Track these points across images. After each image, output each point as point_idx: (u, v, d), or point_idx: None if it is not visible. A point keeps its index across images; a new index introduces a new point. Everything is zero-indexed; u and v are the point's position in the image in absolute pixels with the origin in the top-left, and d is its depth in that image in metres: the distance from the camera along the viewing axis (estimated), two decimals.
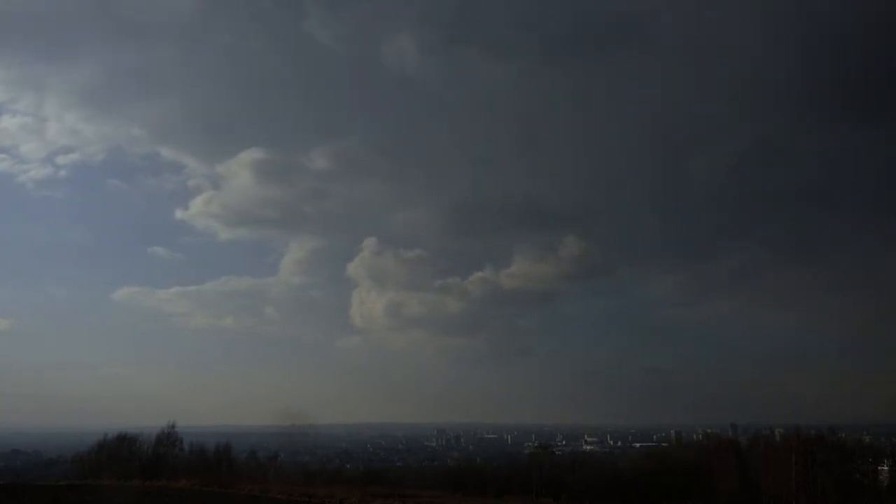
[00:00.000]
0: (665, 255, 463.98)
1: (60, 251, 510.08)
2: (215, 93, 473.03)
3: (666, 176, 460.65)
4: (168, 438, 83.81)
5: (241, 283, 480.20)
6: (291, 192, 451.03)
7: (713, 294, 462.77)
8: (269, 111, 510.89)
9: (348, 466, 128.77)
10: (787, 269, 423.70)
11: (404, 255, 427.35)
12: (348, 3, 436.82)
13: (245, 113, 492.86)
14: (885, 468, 71.83)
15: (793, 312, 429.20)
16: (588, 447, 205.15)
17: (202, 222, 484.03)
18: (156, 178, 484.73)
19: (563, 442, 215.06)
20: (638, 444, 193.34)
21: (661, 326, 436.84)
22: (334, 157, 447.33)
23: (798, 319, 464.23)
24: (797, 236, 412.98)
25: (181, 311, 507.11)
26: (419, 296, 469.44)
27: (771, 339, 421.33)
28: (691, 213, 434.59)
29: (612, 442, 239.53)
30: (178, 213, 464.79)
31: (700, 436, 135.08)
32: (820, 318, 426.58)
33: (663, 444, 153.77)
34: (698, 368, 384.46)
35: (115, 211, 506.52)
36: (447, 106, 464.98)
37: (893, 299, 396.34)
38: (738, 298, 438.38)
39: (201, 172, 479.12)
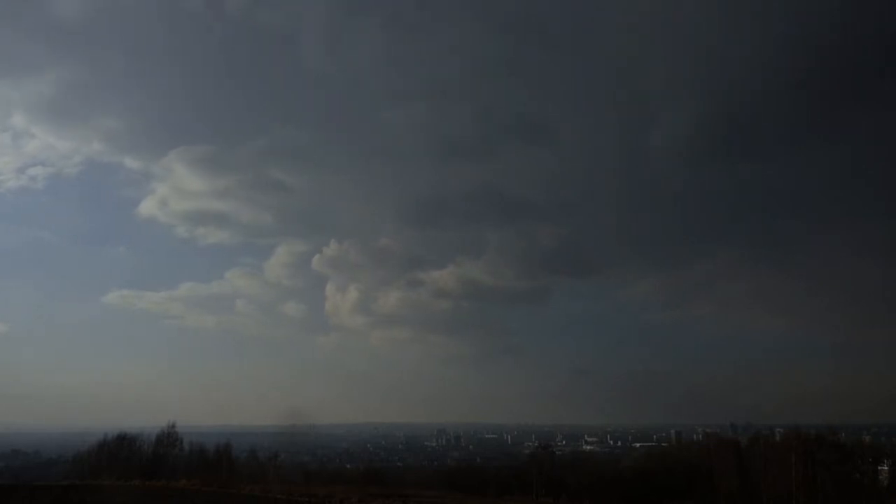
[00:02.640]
0: (644, 258, 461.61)
1: (45, 258, 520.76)
2: (163, 98, 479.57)
3: (638, 173, 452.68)
4: (168, 438, 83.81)
5: (230, 286, 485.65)
6: (247, 185, 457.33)
7: (692, 296, 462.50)
8: (211, 109, 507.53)
9: (348, 466, 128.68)
10: (763, 271, 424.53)
11: (378, 250, 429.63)
12: None
13: (196, 112, 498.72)
14: (885, 468, 71.81)
15: (774, 313, 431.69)
16: (588, 447, 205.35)
17: (183, 228, 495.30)
18: (130, 186, 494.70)
19: (563, 442, 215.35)
20: (638, 444, 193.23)
21: (648, 327, 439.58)
22: (286, 151, 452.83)
23: (784, 321, 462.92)
24: (770, 238, 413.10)
25: (173, 312, 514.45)
26: (399, 293, 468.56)
27: (759, 339, 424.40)
28: (667, 215, 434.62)
29: (612, 442, 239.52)
30: (160, 219, 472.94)
31: (700, 436, 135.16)
32: (805, 320, 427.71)
33: (663, 444, 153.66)
34: (690, 369, 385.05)
35: (94, 219, 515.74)
36: (399, 94, 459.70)
37: (865, 299, 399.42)
38: (718, 301, 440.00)
39: (170, 178, 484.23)
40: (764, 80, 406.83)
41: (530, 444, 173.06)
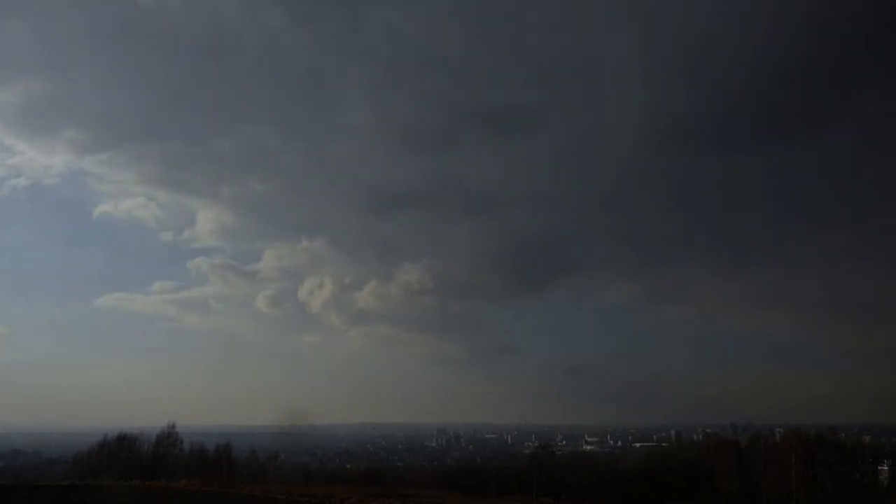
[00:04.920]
0: (625, 261, 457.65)
1: (35, 263, 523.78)
2: (126, 105, 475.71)
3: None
4: (168, 438, 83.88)
5: (218, 288, 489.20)
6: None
7: (680, 297, 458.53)
8: (171, 110, 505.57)
9: (348, 466, 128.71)
10: (755, 271, 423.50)
11: (354, 247, 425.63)
12: None
13: (158, 114, 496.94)
14: (885, 468, 71.87)
15: (768, 314, 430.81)
16: (588, 447, 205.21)
17: (169, 233, 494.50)
18: (109, 192, 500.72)
19: (563, 442, 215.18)
20: (638, 444, 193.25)
21: (637, 328, 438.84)
22: (252, 150, 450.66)
23: (777, 321, 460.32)
24: (761, 238, 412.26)
25: (167, 314, 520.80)
26: (384, 291, 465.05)
27: (754, 341, 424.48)
28: (651, 214, 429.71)
29: (612, 442, 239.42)
30: (143, 224, 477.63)
31: (700, 436, 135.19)
32: (797, 320, 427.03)
33: (663, 444, 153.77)
34: (680, 371, 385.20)
35: (77, 224, 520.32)
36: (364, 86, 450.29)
37: (861, 300, 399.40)
38: (707, 302, 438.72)
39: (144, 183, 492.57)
40: (751, 77, 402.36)
41: (530, 444, 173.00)
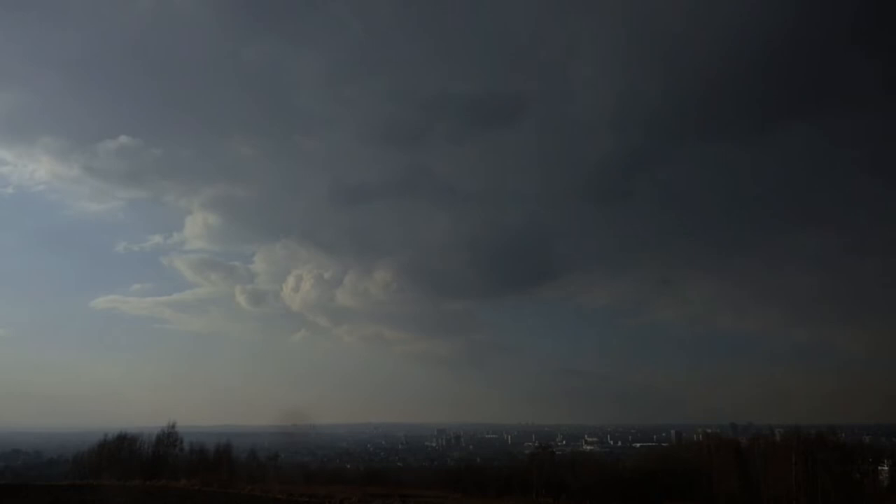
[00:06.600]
0: (621, 260, 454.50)
1: (30, 267, 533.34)
2: (102, 110, 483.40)
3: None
4: (168, 438, 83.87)
5: (212, 290, 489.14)
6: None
7: (673, 298, 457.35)
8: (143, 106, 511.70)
9: (348, 466, 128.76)
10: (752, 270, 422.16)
11: (332, 246, 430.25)
12: None
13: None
14: (885, 468, 71.84)
15: (769, 313, 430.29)
16: (588, 447, 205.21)
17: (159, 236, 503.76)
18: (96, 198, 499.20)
19: (563, 442, 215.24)
20: (638, 444, 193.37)
21: (638, 330, 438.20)
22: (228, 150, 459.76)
23: (777, 321, 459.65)
24: (756, 236, 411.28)
25: (162, 316, 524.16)
26: (371, 290, 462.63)
27: (748, 341, 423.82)
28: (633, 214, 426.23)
29: (612, 442, 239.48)
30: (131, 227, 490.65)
31: (700, 436, 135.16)
32: (794, 320, 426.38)
33: (663, 444, 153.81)
34: (680, 371, 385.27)
35: (69, 227, 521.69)
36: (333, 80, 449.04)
37: (861, 299, 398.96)
38: (697, 303, 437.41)
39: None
40: (745, 69, 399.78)
41: (530, 444, 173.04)
